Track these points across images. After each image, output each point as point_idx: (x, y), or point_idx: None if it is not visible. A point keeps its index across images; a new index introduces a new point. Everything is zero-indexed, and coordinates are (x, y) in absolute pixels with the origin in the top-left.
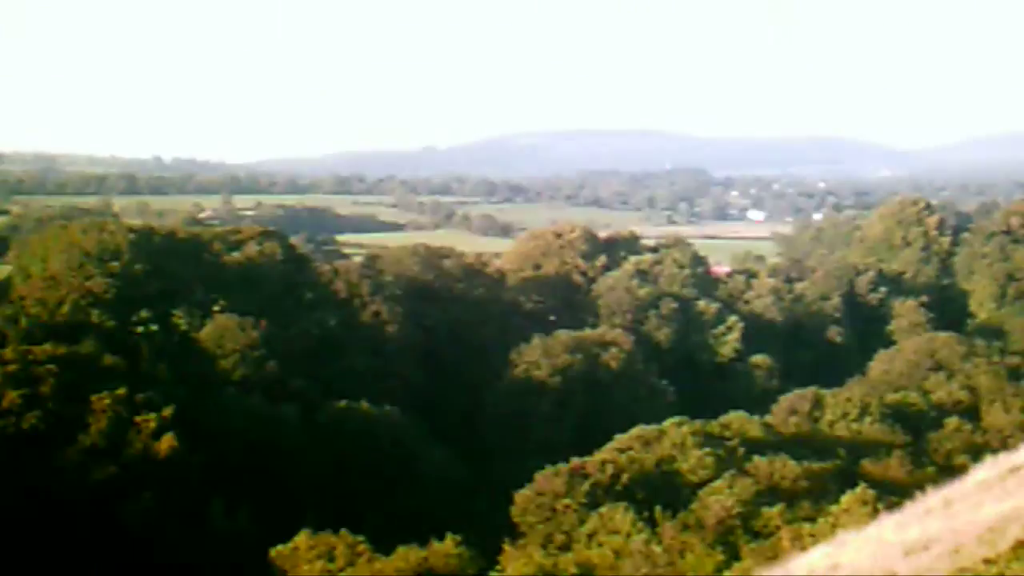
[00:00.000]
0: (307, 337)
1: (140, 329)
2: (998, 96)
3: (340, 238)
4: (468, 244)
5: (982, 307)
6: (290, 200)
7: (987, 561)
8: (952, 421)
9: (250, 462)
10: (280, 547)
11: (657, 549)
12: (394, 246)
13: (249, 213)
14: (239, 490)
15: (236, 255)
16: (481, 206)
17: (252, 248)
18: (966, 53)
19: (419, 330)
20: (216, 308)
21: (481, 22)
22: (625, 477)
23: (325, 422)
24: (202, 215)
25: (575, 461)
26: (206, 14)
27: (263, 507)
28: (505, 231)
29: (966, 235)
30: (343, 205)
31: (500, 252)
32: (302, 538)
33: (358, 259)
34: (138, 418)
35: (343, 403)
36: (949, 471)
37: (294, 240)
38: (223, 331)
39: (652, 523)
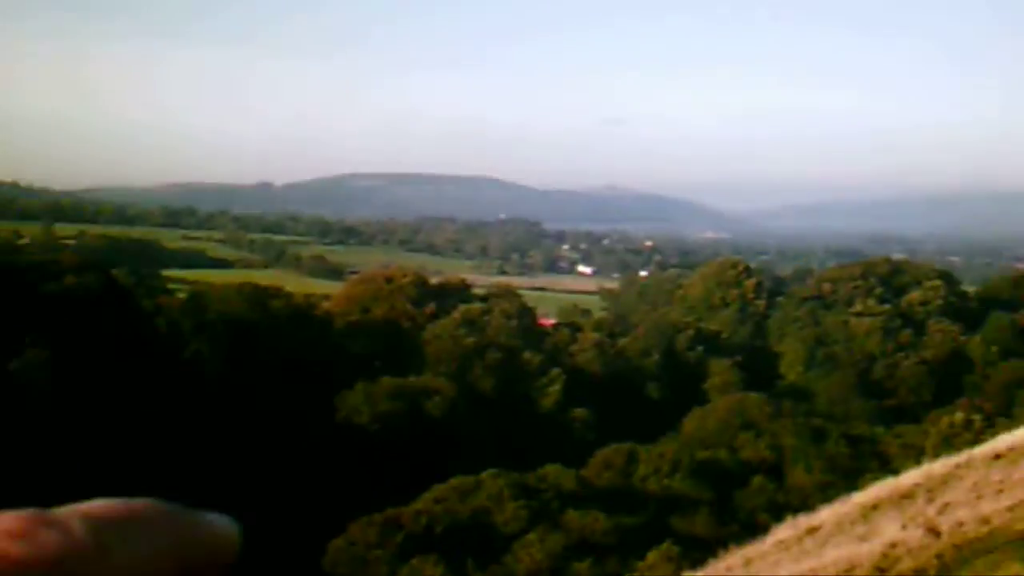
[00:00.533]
0: (124, 374)
1: None
2: (813, 168)
3: (166, 273)
4: (298, 284)
5: (791, 369)
6: (116, 231)
7: None
8: (757, 479)
9: (59, 498)
10: None
11: None
12: (221, 284)
13: (71, 242)
14: None
15: (53, 286)
16: (314, 246)
17: (70, 279)
18: (783, 125)
19: (242, 372)
20: (28, 341)
21: (321, 59)
22: (439, 528)
23: (138, 463)
24: (21, 242)
25: (390, 511)
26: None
27: None
28: (337, 273)
29: (781, 299)
30: (172, 239)
31: (330, 294)
32: None
33: (182, 295)
34: None
35: (158, 445)
36: (752, 529)
37: (117, 273)
38: (33, 366)
39: None
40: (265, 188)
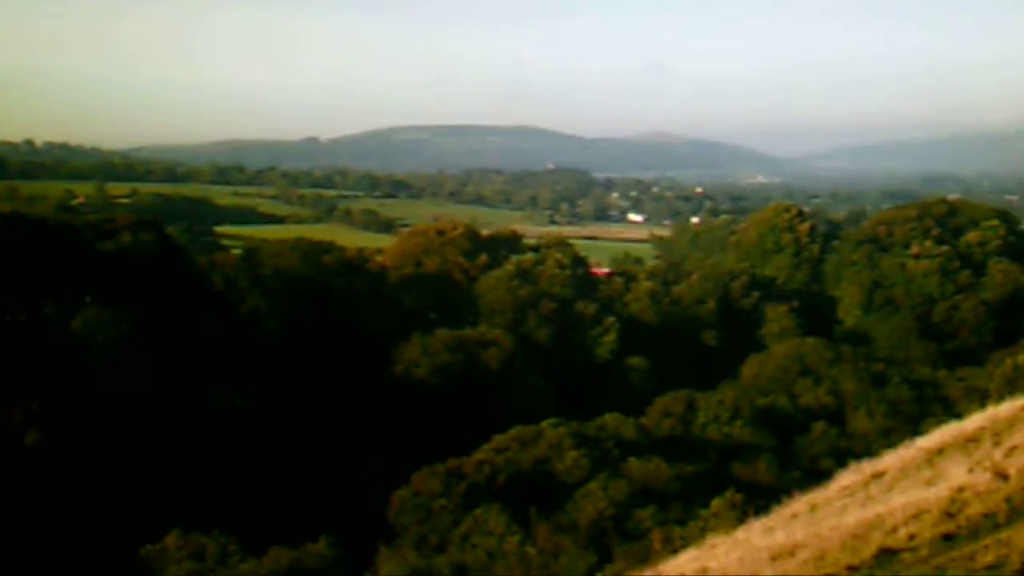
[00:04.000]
0: (182, 330)
1: (8, 319)
2: (863, 109)
3: (218, 229)
4: (350, 239)
5: (849, 313)
6: (167, 189)
7: (851, 568)
8: (819, 425)
9: (119, 457)
10: (149, 546)
11: (531, 550)
12: (274, 239)
13: (124, 201)
14: (108, 485)
15: (109, 244)
16: (364, 200)
17: (126, 237)
18: (831, 66)
19: (298, 326)
20: (88, 299)
21: (361, 12)
22: (501, 478)
23: (200, 417)
24: (75, 202)
25: (452, 461)
26: None
27: (131, 505)
28: (387, 226)
29: (836, 242)
30: (222, 196)
31: (382, 248)
32: (172, 537)
33: (237, 252)
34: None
35: (218, 399)
36: (815, 475)
37: (170, 230)
38: (95, 323)
39: (526, 524)
40: (311, 143)
